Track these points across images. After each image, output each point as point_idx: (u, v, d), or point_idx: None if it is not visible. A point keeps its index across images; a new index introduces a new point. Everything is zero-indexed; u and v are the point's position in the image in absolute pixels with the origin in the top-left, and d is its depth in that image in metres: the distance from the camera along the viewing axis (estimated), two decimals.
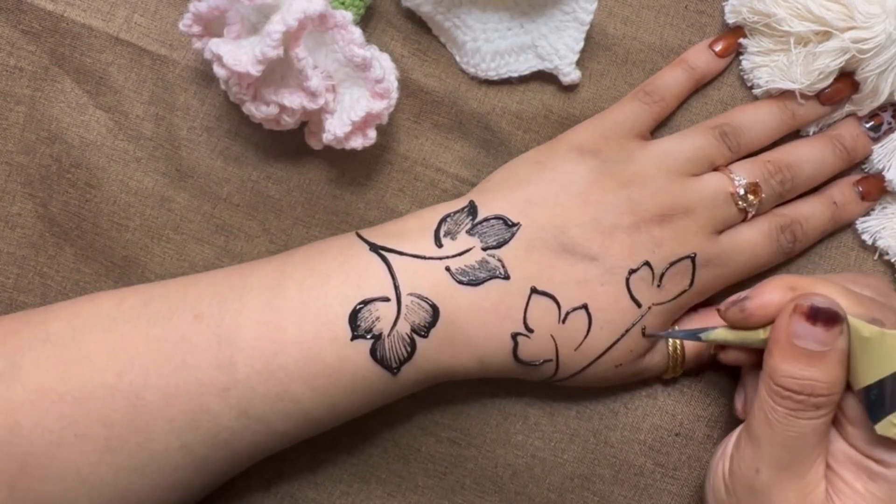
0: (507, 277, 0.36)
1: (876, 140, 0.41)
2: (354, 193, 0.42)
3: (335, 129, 0.37)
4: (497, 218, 0.37)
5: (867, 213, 0.42)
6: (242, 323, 0.35)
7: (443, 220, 0.37)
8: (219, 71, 0.36)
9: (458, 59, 0.42)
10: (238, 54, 0.35)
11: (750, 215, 0.39)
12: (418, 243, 0.36)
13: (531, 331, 0.36)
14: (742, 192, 0.38)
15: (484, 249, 0.36)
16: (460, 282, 0.36)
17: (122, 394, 0.34)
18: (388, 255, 0.36)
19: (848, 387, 0.33)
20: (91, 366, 0.34)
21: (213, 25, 0.38)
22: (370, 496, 0.42)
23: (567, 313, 0.36)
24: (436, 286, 0.36)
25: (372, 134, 0.38)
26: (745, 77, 0.42)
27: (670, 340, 0.39)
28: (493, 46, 0.41)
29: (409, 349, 0.35)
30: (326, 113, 0.38)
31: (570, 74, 0.41)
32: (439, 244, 0.36)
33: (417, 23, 0.42)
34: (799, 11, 0.39)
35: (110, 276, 0.42)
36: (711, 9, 0.42)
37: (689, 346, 0.39)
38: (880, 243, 0.42)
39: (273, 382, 0.34)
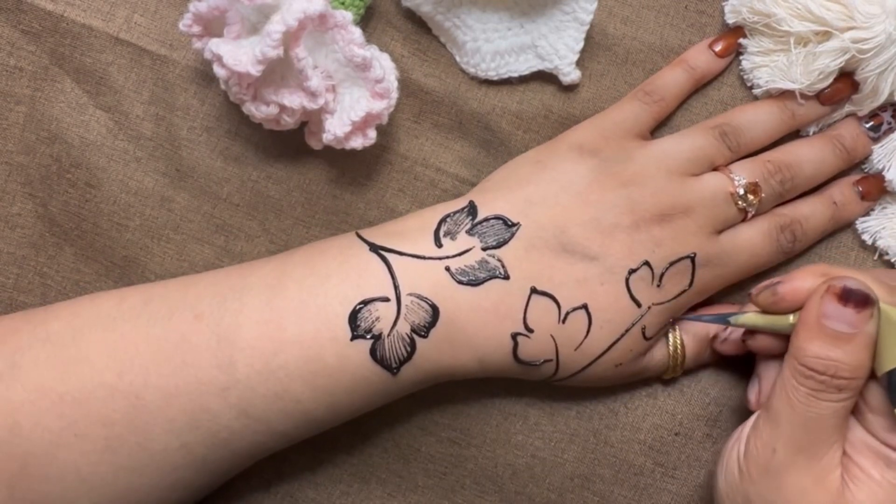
0: (506, 277, 0.36)
1: (876, 140, 0.41)
2: (354, 193, 0.42)
3: (335, 129, 0.37)
4: (497, 218, 0.37)
5: (867, 213, 0.42)
6: (242, 322, 0.35)
7: (443, 220, 0.37)
8: (219, 71, 0.36)
9: (458, 59, 0.42)
10: (238, 54, 0.35)
11: (750, 215, 0.39)
12: (418, 243, 0.36)
13: (531, 331, 0.36)
14: (742, 191, 0.38)
15: (484, 249, 0.36)
16: (460, 282, 0.36)
17: (121, 393, 0.34)
18: (388, 255, 0.36)
19: (871, 375, 0.33)
20: (91, 365, 0.34)
21: (213, 25, 0.38)
22: (370, 496, 0.42)
23: (567, 313, 0.36)
24: (435, 286, 0.36)
25: (372, 134, 0.38)
26: (745, 77, 0.42)
27: (671, 340, 0.39)
28: (493, 46, 0.41)
29: (408, 349, 0.35)
30: (326, 113, 0.38)
31: (570, 74, 0.41)
32: (439, 244, 0.36)
33: (417, 23, 0.42)
34: (799, 11, 0.39)
35: (110, 276, 0.42)
36: (711, 9, 0.42)
37: (690, 345, 0.39)
38: (880, 243, 0.42)
39: (273, 382, 0.34)
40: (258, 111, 0.38)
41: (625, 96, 0.41)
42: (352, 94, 0.38)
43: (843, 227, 0.42)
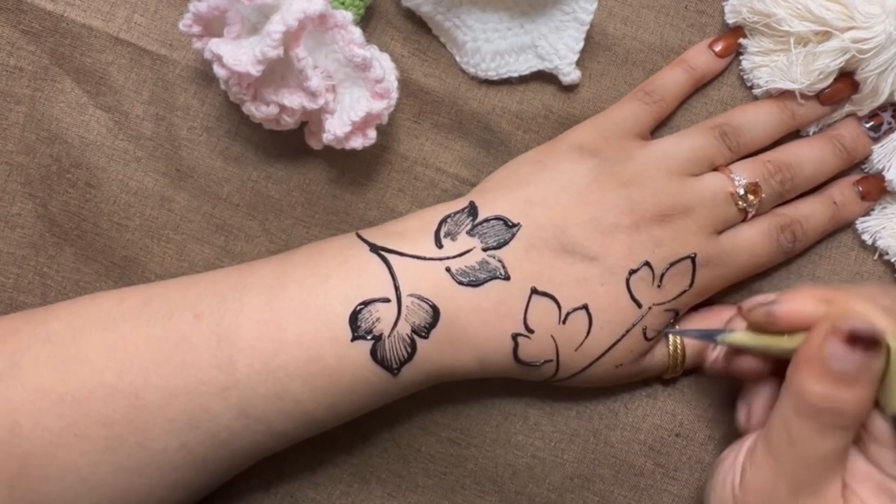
0: (507, 278, 0.36)
1: (876, 140, 0.41)
2: (354, 193, 0.42)
3: (335, 129, 0.37)
4: (497, 218, 0.37)
5: (867, 213, 0.42)
6: (242, 322, 0.35)
7: (443, 220, 0.37)
8: (219, 71, 0.36)
9: (458, 59, 0.42)
10: (238, 54, 0.35)
11: (750, 215, 0.39)
12: (418, 244, 0.36)
13: (531, 331, 0.36)
14: (742, 191, 0.38)
15: (484, 250, 0.36)
16: (460, 282, 0.36)
17: (121, 393, 0.34)
18: (389, 256, 0.36)
19: (875, 404, 0.33)
20: (91, 365, 0.34)
21: (213, 25, 0.38)
22: (370, 496, 0.42)
23: (567, 314, 0.36)
24: (436, 287, 0.36)
25: (372, 134, 0.38)
26: (745, 77, 0.42)
27: (671, 339, 0.39)
28: (493, 46, 0.41)
29: (409, 350, 0.35)
30: (326, 113, 0.38)
31: (570, 74, 0.41)
32: (439, 245, 0.36)
33: (417, 23, 0.42)
34: (799, 11, 0.39)
35: (110, 276, 0.42)
36: (711, 9, 0.42)
37: (690, 346, 0.39)
38: (880, 243, 0.42)
39: (273, 382, 0.34)
40: (258, 111, 0.38)
41: (625, 96, 0.41)
42: (352, 94, 0.38)
43: (843, 227, 0.42)
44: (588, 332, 0.37)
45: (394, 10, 0.42)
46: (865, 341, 0.31)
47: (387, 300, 0.35)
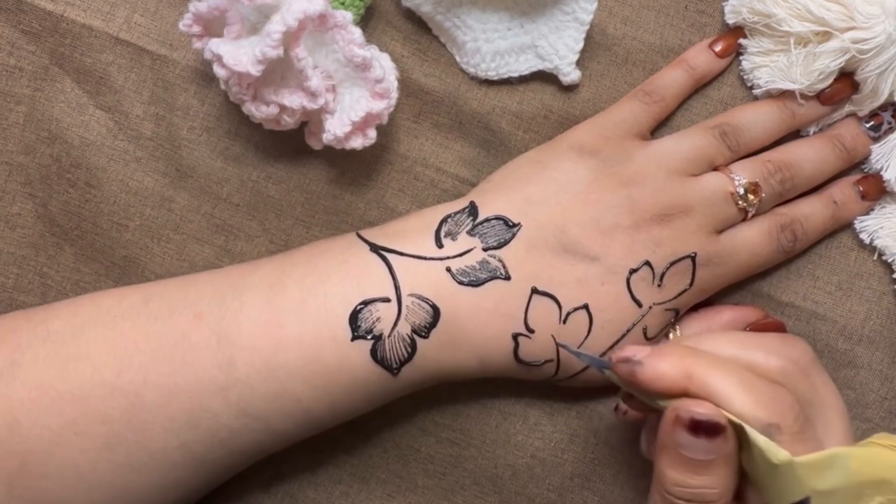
0: (507, 278, 0.36)
1: (876, 140, 0.41)
2: (354, 193, 0.42)
3: (335, 129, 0.37)
4: (498, 218, 0.37)
5: (866, 213, 0.42)
6: (242, 322, 0.35)
7: (443, 220, 0.37)
8: (219, 71, 0.36)
9: (458, 59, 0.42)
10: (238, 54, 0.35)
11: (750, 215, 0.39)
12: (419, 243, 0.36)
13: (532, 331, 0.36)
14: (742, 191, 0.38)
15: (485, 250, 0.36)
16: (461, 282, 0.36)
17: (121, 392, 0.34)
18: (389, 256, 0.36)
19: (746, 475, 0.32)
20: (91, 364, 0.35)
21: (213, 25, 0.38)
22: (370, 496, 0.42)
23: (568, 313, 0.36)
24: (436, 287, 0.36)
25: (372, 134, 0.38)
26: (745, 77, 0.42)
27: (672, 339, 0.39)
28: (493, 46, 0.41)
29: (409, 350, 0.35)
30: (326, 113, 0.38)
31: (570, 74, 0.41)
32: (440, 244, 0.36)
33: (417, 23, 0.42)
34: (799, 12, 0.39)
35: (110, 276, 0.42)
36: (711, 9, 0.42)
37: None
38: (878, 243, 0.42)
39: (273, 381, 0.34)
40: (258, 111, 0.38)
41: (625, 96, 0.41)
42: (352, 94, 0.38)
43: (842, 227, 0.42)
44: (588, 332, 0.37)
45: (394, 10, 0.42)
46: (706, 429, 0.30)
47: (387, 300, 0.35)
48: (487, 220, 0.37)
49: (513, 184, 0.38)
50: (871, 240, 0.42)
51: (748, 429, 0.30)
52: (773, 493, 0.31)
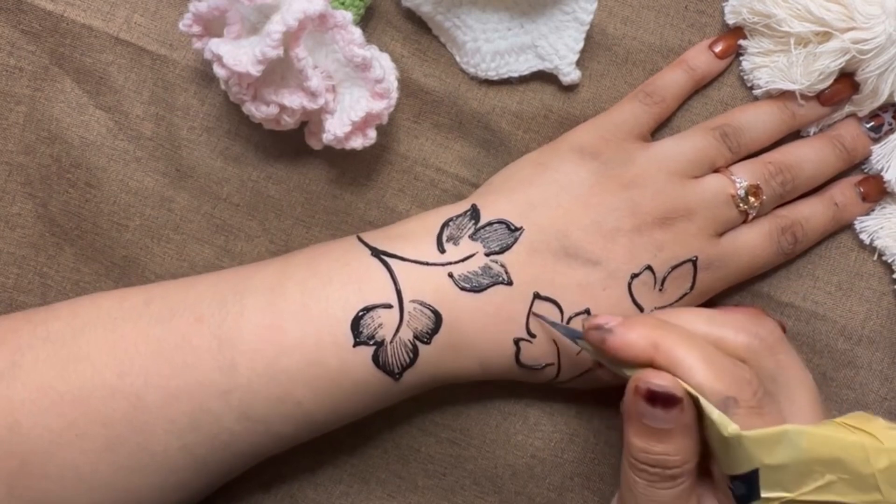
0: (510, 283, 0.36)
1: (876, 140, 0.41)
2: (354, 193, 0.42)
3: (335, 129, 0.37)
4: (500, 222, 0.37)
5: (867, 213, 0.42)
6: (243, 325, 0.35)
7: (445, 224, 0.37)
8: (219, 71, 0.36)
9: (458, 59, 0.42)
10: (238, 54, 0.35)
11: (751, 217, 0.39)
12: (420, 248, 0.36)
13: (533, 336, 0.36)
14: (743, 193, 0.38)
15: (487, 255, 0.36)
16: (463, 288, 0.36)
17: (122, 394, 0.34)
18: (390, 261, 0.36)
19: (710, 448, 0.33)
20: (91, 365, 0.35)
21: (213, 25, 0.38)
22: (370, 496, 0.42)
23: (570, 318, 0.36)
24: (438, 293, 0.36)
25: (372, 134, 0.38)
26: (746, 78, 0.42)
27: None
28: (493, 46, 0.41)
29: (411, 355, 0.35)
30: (326, 113, 0.38)
31: (570, 74, 0.41)
32: (442, 249, 0.36)
33: (417, 23, 0.42)
34: (799, 12, 0.39)
35: (110, 276, 0.42)
36: (711, 9, 0.42)
37: None
38: (878, 243, 0.42)
39: (274, 385, 0.34)
40: (258, 111, 0.38)
41: (625, 97, 0.41)
42: (352, 94, 0.38)
43: (843, 227, 0.42)
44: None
45: (394, 10, 0.42)
46: (663, 400, 0.31)
47: (389, 306, 0.35)
48: (490, 223, 0.37)
49: (514, 186, 0.38)
50: (872, 240, 0.42)
51: (702, 401, 0.31)
52: (726, 464, 0.31)
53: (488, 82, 0.42)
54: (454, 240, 0.37)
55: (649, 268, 0.37)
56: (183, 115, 0.41)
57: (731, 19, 0.41)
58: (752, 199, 0.38)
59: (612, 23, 0.42)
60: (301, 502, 0.42)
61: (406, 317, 0.35)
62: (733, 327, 0.34)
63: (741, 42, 0.41)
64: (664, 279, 0.37)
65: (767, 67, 0.41)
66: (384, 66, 0.37)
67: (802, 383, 0.34)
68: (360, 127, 0.37)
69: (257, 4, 0.35)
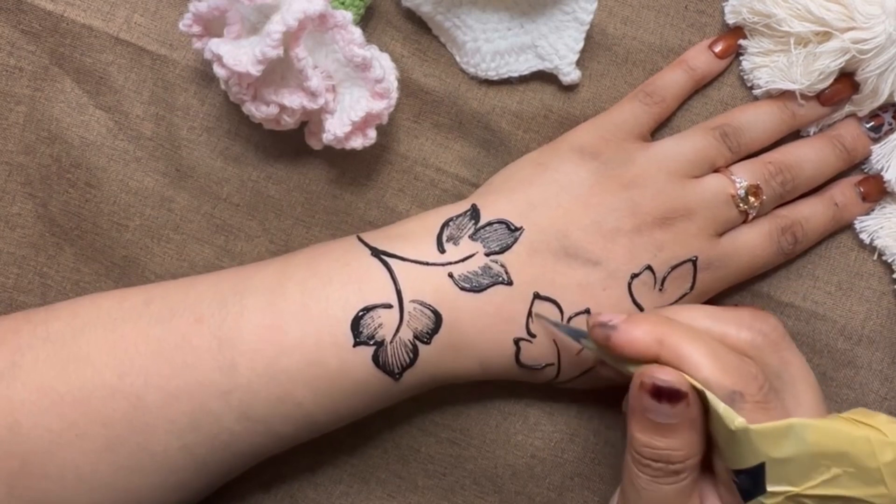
0: (510, 283, 0.36)
1: (876, 140, 0.41)
2: (354, 193, 0.42)
3: (335, 129, 0.37)
4: (500, 222, 0.37)
5: (867, 213, 0.42)
6: (243, 325, 0.35)
7: (445, 224, 0.37)
8: (219, 71, 0.36)
9: (458, 59, 0.42)
10: (238, 54, 0.35)
11: (751, 217, 0.39)
12: (420, 248, 0.36)
13: (533, 336, 0.36)
14: (743, 193, 0.38)
15: (487, 255, 0.36)
16: (463, 288, 0.36)
17: (122, 394, 0.34)
18: (390, 261, 0.36)
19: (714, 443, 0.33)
20: (91, 365, 0.35)
21: (213, 25, 0.38)
22: (370, 496, 0.42)
23: (570, 318, 0.36)
24: (438, 293, 0.36)
25: (372, 134, 0.38)
26: (746, 77, 0.42)
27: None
28: (493, 46, 0.41)
29: (411, 355, 0.35)
30: (326, 113, 0.38)
31: (570, 74, 0.41)
32: (442, 249, 0.36)
33: (417, 23, 0.42)
34: (799, 12, 0.39)
35: (110, 276, 0.42)
36: (711, 9, 0.42)
37: None
38: (878, 243, 0.42)
39: (274, 385, 0.34)
40: (258, 111, 0.38)
41: (625, 97, 0.41)
42: (352, 94, 0.38)
43: (843, 227, 0.42)
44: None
45: (394, 10, 0.42)
46: (668, 395, 0.31)
47: (389, 306, 0.35)
48: (490, 223, 0.37)
49: (514, 185, 0.38)
50: (871, 240, 0.42)
51: (709, 395, 0.31)
52: (732, 459, 0.32)
53: (488, 82, 0.42)
54: (454, 240, 0.37)
55: (649, 268, 0.37)
56: (183, 115, 0.41)
57: (731, 19, 0.41)
58: (752, 198, 0.39)
59: (612, 23, 0.42)
60: (301, 502, 0.42)
61: (406, 317, 0.35)
62: (737, 324, 0.34)
63: (741, 42, 0.41)
64: (664, 279, 0.37)
65: (767, 67, 0.41)
66: (384, 66, 0.37)
67: (806, 380, 0.34)
68: (360, 127, 0.37)
69: (257, 4, 0.35)
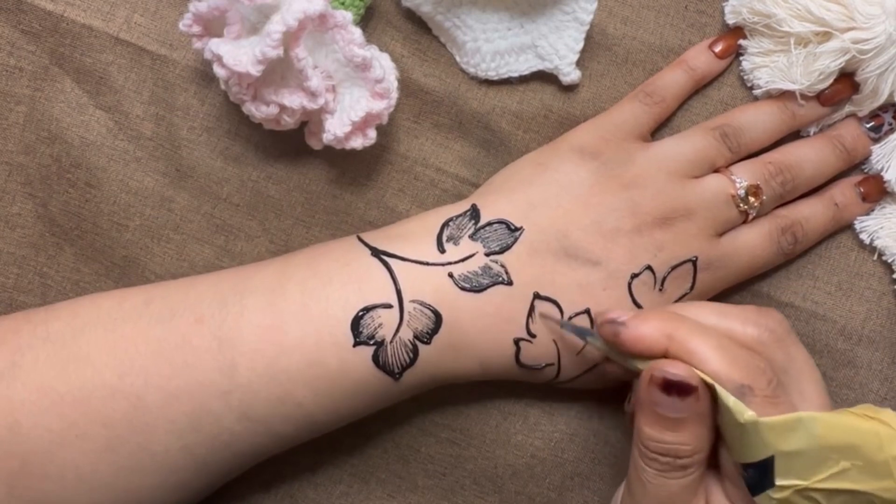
0: (510, 283, 0.36)
1: (876, 140, 0.41)
2: (354, 193, 0.42)
3: (335, 129, 0.37)
4: (500, 222, 0.37)
5: (867, 213, 0.42)
6: (243, 326, 0.35)
7: (445, 224, 0.37)
8: (219, 71, 0.36)
9: (458, 59, 0.42)
10: (238, 54, 0.35)
11: (751, 217, 0.39)
12: (420, 248, 0.36)
13: (533, 336, 0.36)
14: (743, 193, 0.38)
15: (487, 255, 0.36)
16: (463, 288, 0.36)
17: (122, 394, 0.34)
18: (391, 261, 0.36)
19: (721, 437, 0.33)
20: (91, 365, 0.35)
21: (213, 25, 0.38)
22: (370, 496, 0.42)
23: (570, 318, 0.36)
24: (438, 293, 0.36)
25: (372, 134, 0.38)
26: (746, 78, 0.42)
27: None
28: (493, 46, 0.41)
29: (411, 355, 0.35)
30: (326, 113, 0.38)
31: (570, 74, 0.41)
32: (442, 249, 0.36)
33: (417, 23, 0.42)
34: (799, 12, 0.39)
35: (110, 276, 0.42)
36: (711, 9, 0.42)
37: None
38: (878, 243, 0.42)
39: (275, 385, 0.34)
40: (258, 111, 0.38)
41: (625, 97, 0.41)
42: (352, 94, 0.38)
43: (843, 227, 0.42)
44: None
45: (394, 10, 0.42)
46: (678, 389, 0.31)
47: (389, 306, 0.35)
48: (490, 223, 0.37)
49: (514, 185, 0.38)
50: (871, 240, 0.42)
51: (718, 388, 0.31)
52: (740, 452, 0.32)
53: (488, 82, 0.42)
54: (454, 240, 0.37)
55: (649, 268, 0.37)
56: (183, 115, 0.41)
57: (731, 19, 0.41)
58: (752, 199, 0.39)
59: (612, 23, 0.42)
60: (301, 502, 0.42)
61: (406, 317, 0.35)
62: (742, 320, 0.34)
63: (741, 42, 0.41)
64: (664, 279, 0.37)
65: (767, 67, 0.41)
66: (384, 66, 0.37)
67: (811, 375, 0.34)
68: (360, 127, 0.37)
69: (257, 4, 0.35)
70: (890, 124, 0.41)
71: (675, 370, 0.31)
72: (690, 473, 0.32)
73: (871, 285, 0.42)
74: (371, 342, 0.35)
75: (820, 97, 0.40)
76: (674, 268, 0.37)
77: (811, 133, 0.42)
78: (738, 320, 0.34)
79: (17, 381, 0.35)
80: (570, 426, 0.42)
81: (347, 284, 0.35)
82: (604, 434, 0.42)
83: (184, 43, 0.41)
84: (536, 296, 0.36)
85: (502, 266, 0.36)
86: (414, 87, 0.42)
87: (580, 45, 0.40)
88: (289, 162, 0.42)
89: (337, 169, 0.42)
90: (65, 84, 0.41)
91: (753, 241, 0.39)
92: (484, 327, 0.36)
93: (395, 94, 0.37)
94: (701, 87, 0.42)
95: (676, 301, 0.38)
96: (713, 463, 0.34)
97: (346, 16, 0.36)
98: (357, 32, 0.36)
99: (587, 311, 0.36)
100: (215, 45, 0.36)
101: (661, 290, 0.37)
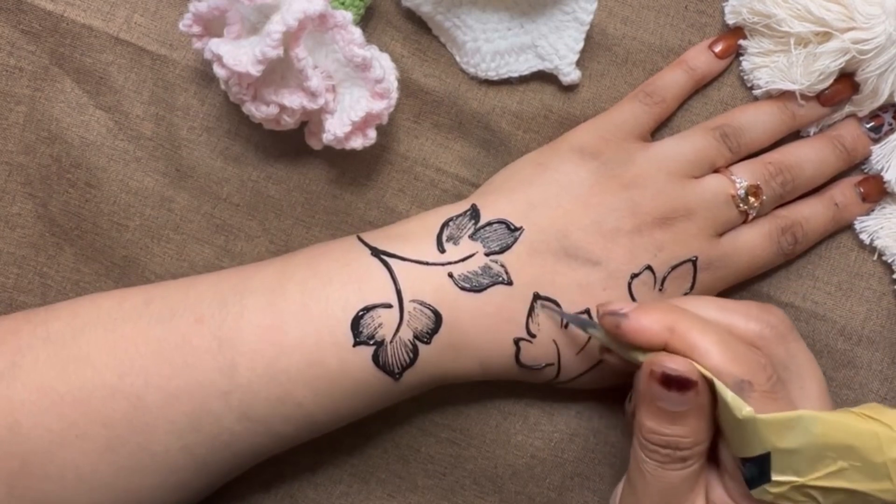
0: (509, 283, 0.36)
1: (876, 141, 0.41)
2: (354, 193, 0.42)
3: (335, 129, 0.37)
4: (500, 222, 0.37)
5: (867, 213, 0.42)
6: (243, 326, 0.35)
7: (445, 223, 0.37)
8: (219, 71, 0.36)
9: (458, 59, 0.42)
10: (238, 54, 0.35)
11: (751, 217, 0.39)
12: (420, 248, 0.36)
13: (533, 336, 0.36)
14: (743, 193, 0.38)
15: (487, 255, 0.36)
16: (463, 288, 0.36)
17: (122, 394, 0.34)
18: (390, 261, 0.36)
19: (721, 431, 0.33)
20: (91, 366, 0.35)
21: (213, 25, 0.38)
22: (370, 496, 0.42)
23: None
24: (438, 293, 0.36)
25: (372, 134, 0.38)
26: (746, 78, 0.42)
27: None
28: (493, 46, 0.41)
29: (411, 355, 0.35)
30: (326, 113, 0.38)
31: (570, 74, 0.41)
32: (442, 249, 0.36)
33: (417, 23, 0.42)
34: (799, 12, 0.39)
35: (110, 276, 0.42)
36: (711, 9, 0.42)
37: None
38: (878, 243, 0.42)
39: (275, 386, 0.34)
40: (258, 111, 0.38)
41: (625, 97, 0.41)
42: (352, 94, 0.38)
43: (843, 228, 0.42)
44: (590, 336, 0.36)
45: (394, 10, 0.42)
46: (678, 384, 0.31)
47: (389, 306, 0.35)
48: (489, 223, 0.37)
49: (514, 186, 0.38)
50: (871, 240, 0.42)
51: (717, 383, 0.31)
52: (738, 447, 0.32)
53: (488, 82, 0.42)
54: (454, 240, 0.37)
55: (649, 268, 0.37)
56: (183, 115, 0.41)
57: (731, 19, 0.41)
58: (752, 199, 0.39)
59: (612, 23, 0.42)
60: (301, 502, 0.42)
61: (406, 316, 0.35)
62: (744, 315, 0.34)
63: (741, 42, 0.41)
64: (664, 279, 0.37)
65: (767, 67, 0.41)
66: (384, 66, 0.37)
67: (812, 372, 0.34)
68: (360, 127, 0.37)
69: (257, 4, 0.35)
70: (890, 124, 0.41)
71: (674, 365, 0.31)
72: (690, 465, 0.32)
73: (871, 285, 0.42)
74: (371, 342, 0.35)
75: (820, 97, 0.40)
76: (674, 268, 0.37)
77: (811, 133, 0.42)
78: (739, 315, 0.34)
79: (18, 381, 0.35)
80: (570, 426, 0.42)
81: (347, 284, 0.35)
82: (604, 434, 0.42)
83: (184, 43, 0.41)
84: (536, 296, 0.36)
85: (502, 266, 0.36)
86: (414, 87, 0.42)
87: (580, 45, 0.40)
88: (289, 162, 0.42)
89: (337, 169, 0.42)
90: (65, 84, 0.41)
91: (753, 242, 0.39)
92: (484, 327, 0.36)
93: (395, 94, 0.37)
94: (701, 87, 0.42)
95: None
96: (713, 456, 0.34)
97: (346, 16, 0.36)
98: (357, 32, 0.36)
99: (587, 312, 0.36)
100: (215, 45, 0.36)
101: (661, 289, 0.37)
